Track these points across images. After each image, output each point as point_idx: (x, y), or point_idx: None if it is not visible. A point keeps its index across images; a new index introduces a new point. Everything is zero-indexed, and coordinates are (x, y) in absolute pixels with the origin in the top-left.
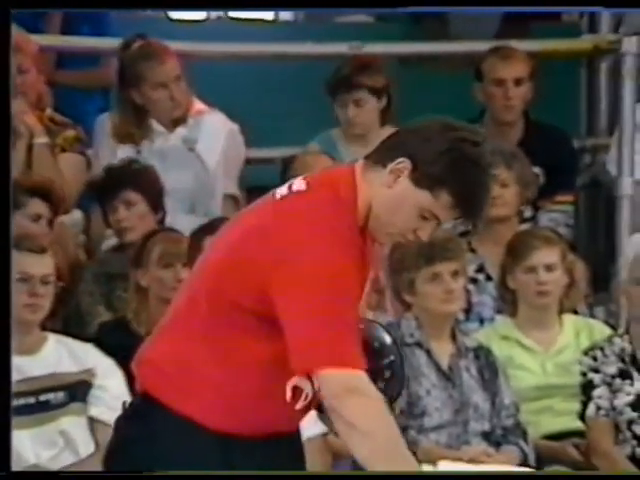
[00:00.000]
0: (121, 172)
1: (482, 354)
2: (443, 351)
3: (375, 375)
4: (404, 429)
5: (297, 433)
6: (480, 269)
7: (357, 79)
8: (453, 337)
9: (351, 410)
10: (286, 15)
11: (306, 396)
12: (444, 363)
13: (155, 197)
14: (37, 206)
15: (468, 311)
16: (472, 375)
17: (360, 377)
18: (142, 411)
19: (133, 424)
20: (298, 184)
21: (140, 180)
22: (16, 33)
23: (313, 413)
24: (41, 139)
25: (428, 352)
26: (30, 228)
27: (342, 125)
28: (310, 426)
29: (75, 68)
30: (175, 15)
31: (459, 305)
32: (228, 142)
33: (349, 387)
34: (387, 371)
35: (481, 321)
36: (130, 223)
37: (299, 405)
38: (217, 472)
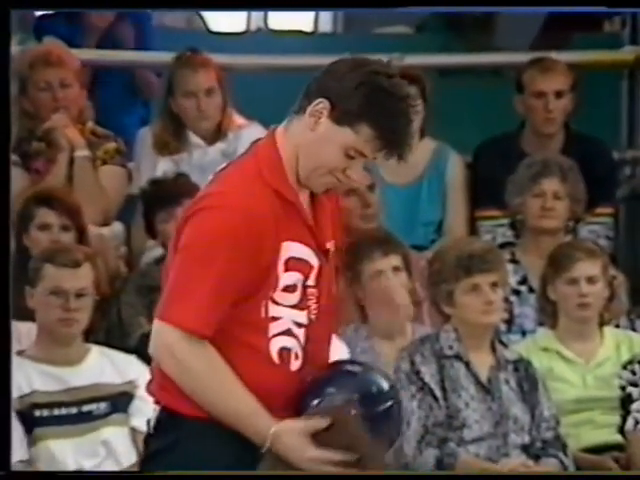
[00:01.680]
0: (173, 185)
1: (522, 366)
2: (482, 363)
3: (373, 420)
4: (443, 441)
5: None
6: (523, 281)
7: (412, 75)
8: (493, 349)
9: (164, 364)
10: (325, 27)
11: (296, 355)
12: (483, 375)
13: None
14: (45, 215)
15: (510, 322)
16: (512, 387)
17: (175, 334)
18: (164, 424)
19: (159, 437)
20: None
21: (192, 195)
22: (57, 47)
23: None
24: (82, 152)
25: (467, 364)
26: (60, 243)
27: None
28: None
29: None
30: (215, 28)
31: (498, 316)
32: None
33: (165, 342)
34: (385, 416)
35: (523, 333)
36: None
37: (293, 366)
38: (217, 472)
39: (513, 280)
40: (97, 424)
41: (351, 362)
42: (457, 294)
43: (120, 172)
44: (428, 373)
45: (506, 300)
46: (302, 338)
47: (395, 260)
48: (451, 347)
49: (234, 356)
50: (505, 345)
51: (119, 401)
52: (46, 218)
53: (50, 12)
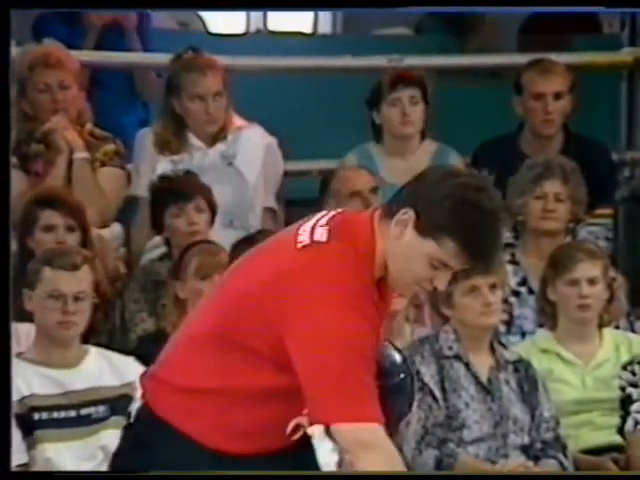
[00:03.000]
0: (184, 181)
1: (522, 367)
2: (482, 364)
3: (386, 392)
4: (443, 441)
5: (297, 448)
6: (523, 282)
7: (414, 76)
8: (492, 350)
9: (364, 464)
10: (325, 28)
11: (303, 430)
12: (483, 376)
13: (214, 210)
14: (50, 217)
15: (510, 324)
16: (512, 388)
17: (373, 430)
18: (143, 421)
19: (134, 433)
20: (319, 233)
21: (207, 191)
22: (56, 49)
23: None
24: (81, 154)
25: (467, 365)
26: (62, 245)
27: (389, 128)
28: None
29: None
30: (214, 29)
31: (497, 318)
32: (267, 156)
33: (362, 441)
34: (397, 388)
35: (523, 334)
36: (199, 227)
37: (295, 437)
38: (217, 472)
39: (513, 281)
40: (96, 427)
41: None
42: (456, 295)
43: (119, 174)
44: (428, 374)
45: (505, 301)
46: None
47: None
48: (450, 348)
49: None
50: (504, 346)
51: (118, 404)
52: (51, 219)
53: (49, 13)
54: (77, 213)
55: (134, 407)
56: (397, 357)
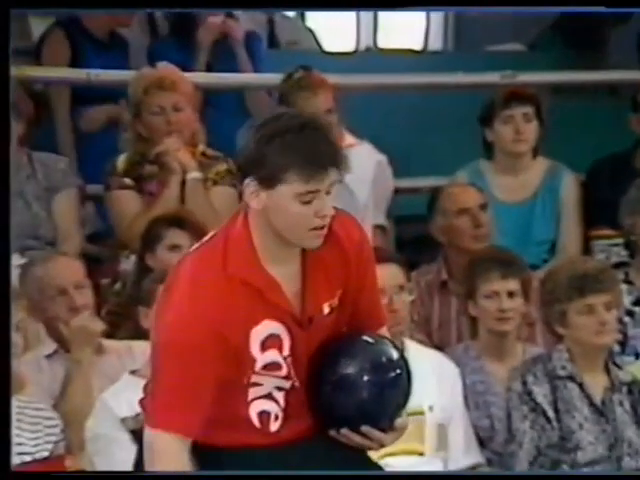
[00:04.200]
0: None
1: (636, 389)
2: (596, 384)
3: (381, 387)
4: (556, 463)
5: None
6: (637, 302)
7: (527, 93)
8: (606, 370)
9: (149, 467)
10: (435, 44)
11: (276, 417)
12: (597, 397)
13: None
14: (177, 236)
15: (624, 344)
16: (626, 410)
17: (155, 436)
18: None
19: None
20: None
21: None
22: (171, 72)
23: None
24: (194, 174)
25: (581, 385)
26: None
27: (501, 145)
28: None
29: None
30: (328, 48)
31: (613, 337)
32: (377, 173)
33: (147, 445)
34: (392, 384)
35: (637, 355)
36: None
37: (274, 427)
38: (216, 472)
39: (627, 301)
40: None
41: (362, 333)
42: (570, 314)
43: (231, 192)
44: (541, 394)
45: (620, 321)
46: (282, 401)
47: (512, 284)
48: (564, 367)
49: (216, 417)
50: (619, 367)
51: None
52: (177, 239)
53: (164, 38)
54: (201, 235)
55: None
56: (394, 353)
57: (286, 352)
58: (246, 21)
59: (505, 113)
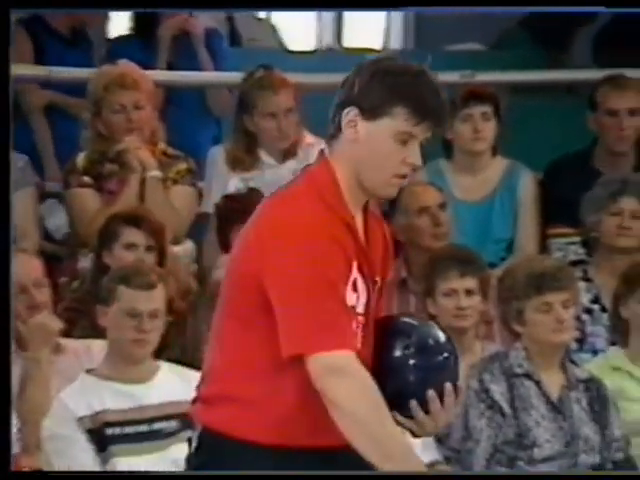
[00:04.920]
0: (248, 199)
1: (593, 386)
2: (553, 382)
3: (429, 370)
4: (513, 459)
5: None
6: (595, 299)
7: (486, 92)
8: (563, 368)
9: (334, 391)
10: (396, 44)
11: None
12: (554, 395)
13: None
14: (133, 235)
15: (582, 341)
16: (583, 407)
17: (343, 357)
18: (203, 444)
19: (199, 456)
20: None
21: None
22: (132, 70)
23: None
24: (154, 173)
25: (538, 383)
26: (139, 264)
27: (460, 144)
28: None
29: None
30: (289, 46)
31: (570, 335)
32: None
33: (332, 368)
34: (440, 366)
35: (594, 352)
36: None
37: None
38: (216, 472)
39: (585, 299)
40: (167, 442)
41: (409, 316)
42: (528, 312)
43: (191, 191)
44: (498, 391)
45: (578, 319)
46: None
47: (470, 283)
48: (521, 365)
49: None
50: (576, 364)
51: (189, 418)
52: (134, 237)
53: (125, 36)
54: (158, 234)
55: (194, 436)
56: (441, 336)
57: (360, 309)
58: (206, 18)
59: (464, 112)
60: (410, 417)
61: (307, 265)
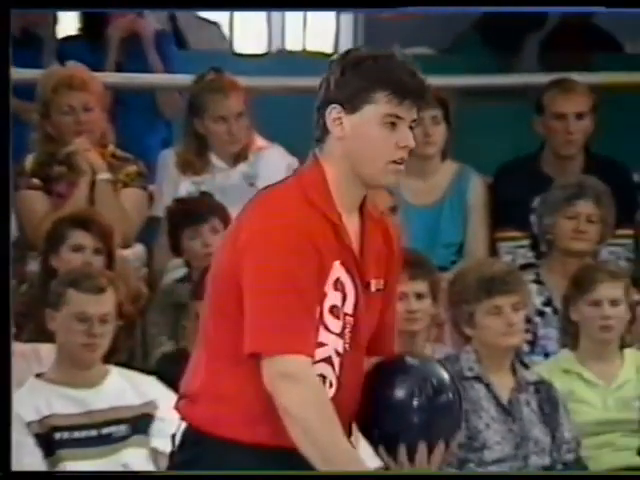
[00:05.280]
0: (199, 203)
1: (543, 388)
2: (503, 385)
3: (433, 412)
4: (463, 462)
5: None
6: (548, 302)
7: (436, 96)
8: (513, 370)
9: (285, 396)
10: (347, 47)
11: (330, 384)
12: (504, 397)
13: None
14: (80, 237)
15: (533, 344)
16: (532, 409)
17: (298, 363)
18: (188, 441)
19: (182, 453)
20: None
21: (223, 211)
22: (80, 72)
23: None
24: (103, 175)
25: (488, 386)
26: (89, 268)
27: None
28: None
29: None
30: (238, 49)
31: (519, 338)
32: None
33: (285, 373)
34: (445, 407)
35: (546, 354)
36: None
37: (329, 394)
38: (217, 472)
39: (538, 301)
40: (117, 446)
41: (413, 355)
42: (478, 315)
43: (141, 194)
44: None
45: (529, 321)
46: (337, 367)
47: (420, 286)
48: (471, 369)
49: None
50: (526, 366)
51: (139, 422)
52: (81, 240)
53: (72, 36)
54: (106, 236)
55: (178, 432)
56: (445, 376)
57: (348, 309)
58: (154, 20)
59: None
60: (394, 455)
61: (278, 268)
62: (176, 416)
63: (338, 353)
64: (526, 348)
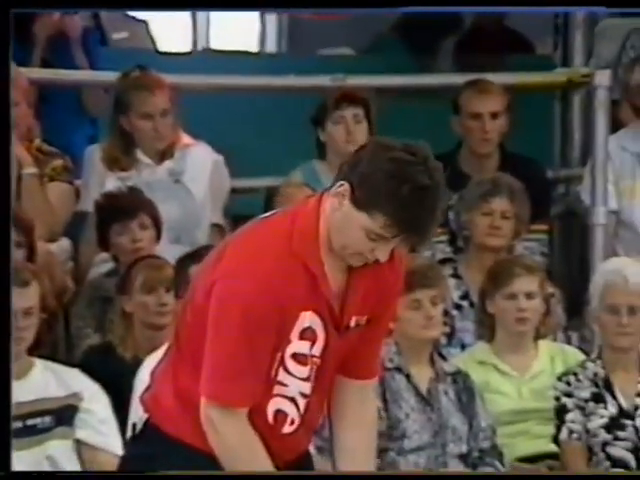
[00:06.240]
0: (128, 198)
1: (460, 379)
2: (422, 376)
3: None
4: (384, 451)
5: (304, 462)
6: (465, 296)
7: (357, 96)
8: (432, 362)
9: (209, 437)
10: (270, 47)
11: (292, 421)
12: (423, 387)
13: (159, 226)
14: None
15: (451, 336)
16: (450, 399)
17: (224, 414)
18: (147, 435)
19: (138, 445)
20: (274, 211)
21: (151, 207)
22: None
23: None
24: (30, 169)
25: (407, 377)
26: (15, 259)
27: (333, 145)
28: None
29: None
30: (163, 47)
31: (438, 331)
32: (213, 173)
33: (210, 419)
34: None
35: (463, 346)
36: (143, 244)
37: (285, 430)
38: (217, 472)
39: (455, 295)
40: (41, 437)
41: None
42: (398, 309)
43: (67, 189)
44: None
45: (447, 314)
46: (302, 407)
47: None
48: (392, 360)
49: None
50: (444, 358)
51: (63, 414)
52: None
53: None
54: (26, 229)
55: (139, 421)
56: None
57: (316, 351)
58: (79, 17)
59: (336, 114)
60: None
61: (236, 318)
62: (100, 407)
63: (304, 395)
64: (444, 340)
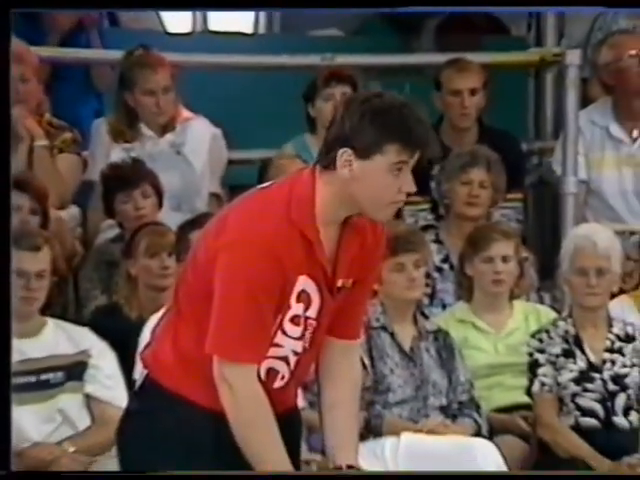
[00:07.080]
0: (132, 169)
1: (441, 336)
2: (405, 334)
3: None
4: (370, 404)
5: (293, 414)
6: (445, 259)
7: (345, 74)
8: (415, 321)
9: (223, 397)
10: (264, 28)
11: (282, 377)
12: (406, 345)
13: (161, 195)
14: (17, 198)
15: (432, 297)
16: (431, 355)
17: (238, 371)
18: (146, 390)
19: (139, 400)
20: (271, 182)
21: (153, 177)
22: (17, 45)
23: None
24: (41, 142)
25: (392, 335)
26: (26, 226)
27: (322, 120)
28: None
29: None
30: (170, 29)
31: (420, 292)
32: (212, 145)
33: (225, 377)
34: None
35: (444, 306)
36: (146, 212)
37: (276, 384)
38: (216, 472)
39: (437, 259)
40: (54, 392)
41: None
42: (383, 272)
43: (76, 160)
44: None
45: (428, 276)
46: (293, 364)
47: None
48: (378, 319)
49: None
50: (426, 317)
51: (73, 370)
52: (19, 201)
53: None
54: (41, 197)
55: (139, 376)
56: None
57: (312, 313)
58: None
59: (326, 91)
60: None
61: (242, 281)
62: (108, 364)
63: (296, 353)
64: (426, 301)
